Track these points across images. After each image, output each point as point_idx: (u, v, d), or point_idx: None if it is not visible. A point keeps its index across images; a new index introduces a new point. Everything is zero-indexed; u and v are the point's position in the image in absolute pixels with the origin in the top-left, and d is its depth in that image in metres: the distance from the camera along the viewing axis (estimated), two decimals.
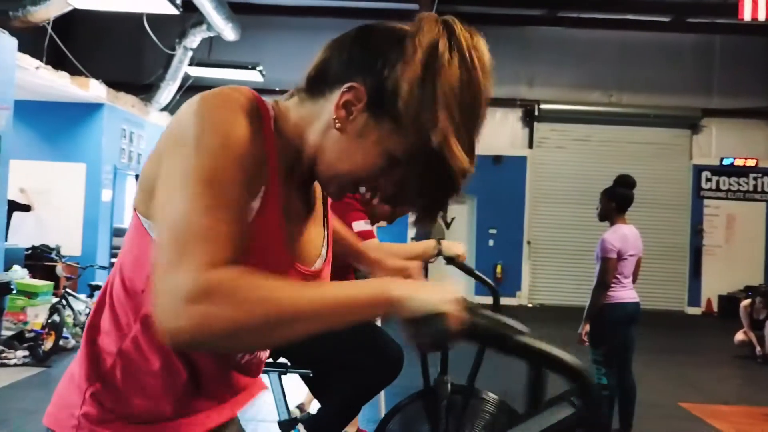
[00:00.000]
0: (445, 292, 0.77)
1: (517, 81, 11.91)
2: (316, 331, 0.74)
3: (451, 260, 2.39)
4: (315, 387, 2.40)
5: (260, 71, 9.44)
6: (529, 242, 11.91)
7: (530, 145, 11.99)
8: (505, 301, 11.41)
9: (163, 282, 0.70)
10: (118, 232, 8.64)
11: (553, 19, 11.62)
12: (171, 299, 0.69)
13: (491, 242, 11.94)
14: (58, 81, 7.28)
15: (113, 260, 7.97)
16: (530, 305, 11.74)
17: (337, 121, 0.87)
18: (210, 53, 10.11)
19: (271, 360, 2.34)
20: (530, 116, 11.91)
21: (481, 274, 2.52)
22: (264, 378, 2.41)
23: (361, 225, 2.28)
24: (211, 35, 8.86)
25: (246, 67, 9.39)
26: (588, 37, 11.71)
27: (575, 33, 11.70)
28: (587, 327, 3.89)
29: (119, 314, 0.92)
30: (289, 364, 2.31)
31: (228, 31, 8.60)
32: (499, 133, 12.00)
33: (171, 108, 10.03)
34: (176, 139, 0.82)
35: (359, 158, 0.88)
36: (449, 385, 2.26)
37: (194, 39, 8.85)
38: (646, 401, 4.25)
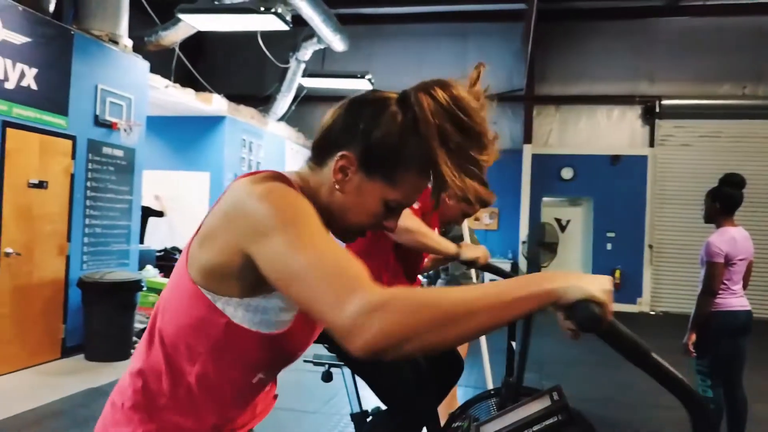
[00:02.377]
0: (600, 282, 0.83)
1: (635, 77, 11.30)
2: (489, 326, 0.80)
3: (472, 263, 2.37)
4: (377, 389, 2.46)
5: (369, 79, 9.72)
6: (651, 246, 11.21)
7: (651, 144, 11.29)
8: (624, 308, 10.98)
9: (341, 313, 0.78)
10: None
11: (675, 9, 10.90)
12: (354, 320, 0.77)
13: (609, 246, 11.38)
14: (185, 97, 7.98)
15: None
16: (652, 312, 11.05)
17: (336, 183, 1.04)
18: (323, 64, 10.57)
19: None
20: (651, 113, 11.22)
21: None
22: (337, 373, 2.55)
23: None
24: (322, 47, 9.26)
25: (355, 76, 9.70)
26: (716, 26, 10.84)
27: (701, 22, 10.89)
28: (693, 336, 3.64)
29: (173, 366, 1.05)
30: None
31: (337, 42, 8.95)
32: (617, 131, 11.44)
33: (287, 118, 10.60)
34: (255, 230, 0.90)
35: (361, 210, 1.05)
36: (517, 387, 2.24)
37: (306, 52, 9.30)
38: (759, 417, 3.90)
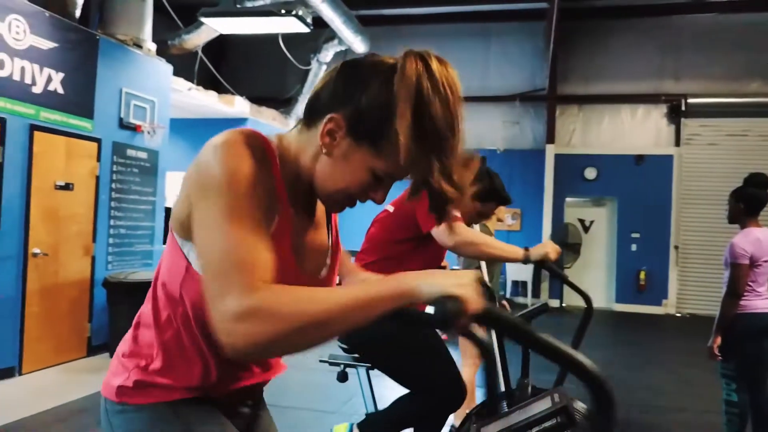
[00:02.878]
0: (458, 277, 0.85)
1: (661, 75, 11.13)
2: (350, 327, 0.85)
3: (542, 263, 2.34)
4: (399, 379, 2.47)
5: None
6: (676, 247, 11.03)
7: (677, 143, 11.11)
8: (649, 310, 10.81)
9: (217, 311, 0.83)
10: None
11: (702, 5, 10.73)
12: (224, 323, 0.82)
13: (634, 247, 11.23)
14: (207, 100, 8.08)
15: None
16: (678, 315, 10.87)
17: (323, 147, 1.01)
18: None
19: (357, 356, 2.48)
20: (676, 112, 11.04)
21: (574, 284, 2.40)
22: (352, 373, 2.56)
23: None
24: (343, 49, 9.30)
25: None
26: (745, 21, 10.62)
27: (729, 18, 10.68)
28: (718, 339, 3.58)
29: (161, 311, 1.10)
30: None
31: (357, 44, 8.97)
32: (642, 131, 11.29)
33: None
34: (200, 186, 0.94)
35: (347, 177, 1.01)
36: (530, 388, 2.23)
37: (327, 54, 9.35)
38: None
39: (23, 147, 5.01)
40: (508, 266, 11.21)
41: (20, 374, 5.02)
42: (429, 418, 2.30)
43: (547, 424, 0.86)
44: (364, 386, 2.48)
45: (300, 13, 6.82)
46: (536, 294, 11.34)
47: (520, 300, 11.32)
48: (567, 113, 11.57)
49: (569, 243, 10.87)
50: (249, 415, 1.25)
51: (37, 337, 5.18)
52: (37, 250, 5.14)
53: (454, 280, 0.84)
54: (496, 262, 4.22)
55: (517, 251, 2.32)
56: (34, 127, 5.09)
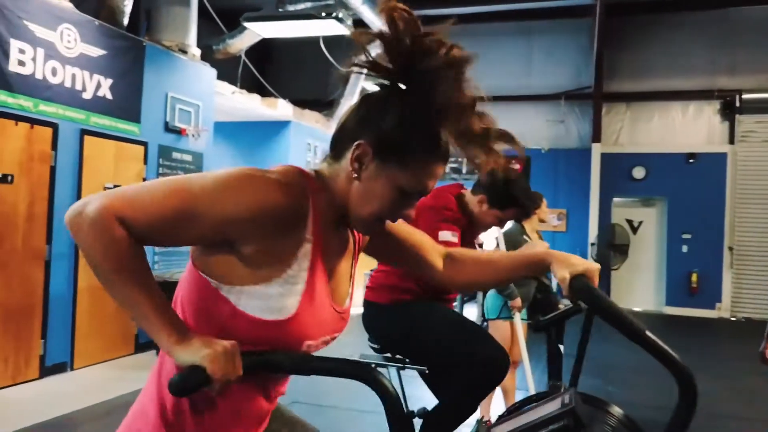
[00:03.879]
0: (210, 345, 0.94)
1: (713, 70, 10.74)
2: (127, 312, 0.98)
3: None
4: (432, 384, 2.47)
5: None
6: (731, 248, 10.61)
7: (731, 140, 10.70)
8: (702, 313, 10.46)
9: (88, 196, 0.96)
10: None
11: None
12: (77, 203, 0.95)
13: (685, 248, 10.86)
14: (251, 103, 8.23)
15: None
16: (733, 319, 10.46)
17: (353, 172, 1.07)
18: None
19: (389, 355, 2.47)
20: (730, 108, 10.64)
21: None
22: (384, 371, 2.55)
23: (447, 236, 2.32)
24: None
25: None
26: None
27: None
28: None
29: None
30: (407, 360, 2.41)
31: None
32: (694, 128, 10.92)
33: None
34: (217, 172, 1.02)
35: (377, 198, 1.07)
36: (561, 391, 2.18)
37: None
38: None
39: (74, 151, 5.21)
40: None
41: (72, 369, 5.22)
42: (477, 393, 2.28)
43: (553, 426, 0.84)
44: (395, 386, 2.46)
45: (340, 15, 6.88)
46: None
47: (567, 302, 11.08)
48: (614, 111, 11.30)
49: (616, 244, 10.61)
50: None
51: (87, 334, 5.37)
52: None
53: (205, 351, 0.92)
54: None
55: None
56: (84, 132, 5.29)
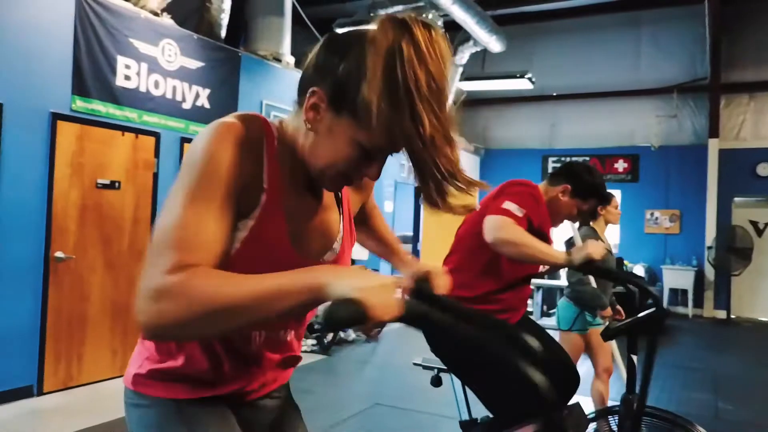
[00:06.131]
0: (369, 279, 0.78)
1: None
2: (257, 319, 0.81)
3: (587, 267, 2.06)
4: (482, 396, 2.34)
5: (529, 78, 9.42)
6: None
7: None
8: None
9: (141, 282, 0.83)
10: (402, 240, 9.49)
11: None
12: (141, 298, 0.82)
13: None
14: None
15: None
16: None
17: (307, 122, 0.97)
18: (483, 66, 10.45)
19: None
20: None
21: (641, 282, 2.10)
22: (446, 378, 2.47)
23: (512, 206, 2.12)
24: (479, 49, 9.15)
25: (514, 76, 9.46)
26: None
27: None
28: None
29: None
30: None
31: (493, 44, 8.78)
32: None
33: None
34: (182, 165, 0.96)
35: (333, 152, 0.97)
36: (635, 405, 2.00)
37: (462, 55, 9.25)
38: None
39: (175, 158, 5.54)
40: (665, 273, 10.30)
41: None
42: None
43: None
44: (457, 392, 2.38)
45: (430, 16, 6.84)
46: (698, 303, 10.27)
47: (680, 310, 10.32)
48: (734, 103, 10.38)
49: (737, 247, 9.72)
50: (274, 407, 1.25)
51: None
52: None
53: (363, 283, 0.77)
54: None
55: (558, 255, 2.06)
56: (184, 140, 5.61)
